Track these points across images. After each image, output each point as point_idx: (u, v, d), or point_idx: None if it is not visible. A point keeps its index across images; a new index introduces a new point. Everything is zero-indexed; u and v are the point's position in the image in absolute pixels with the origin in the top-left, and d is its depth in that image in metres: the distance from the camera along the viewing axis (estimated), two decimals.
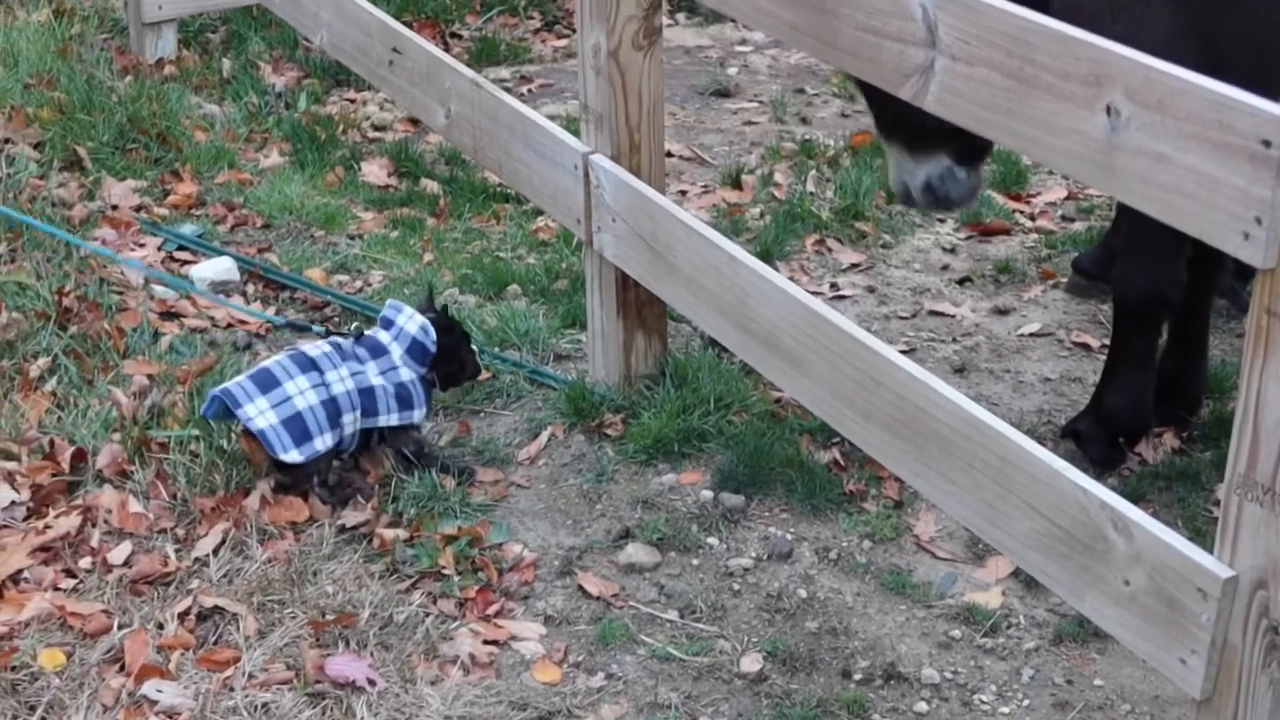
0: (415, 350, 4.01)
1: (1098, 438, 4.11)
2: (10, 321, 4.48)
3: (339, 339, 4.03)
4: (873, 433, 3.29)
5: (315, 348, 3.96)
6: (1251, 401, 2.39)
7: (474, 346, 4.25)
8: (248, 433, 3.83)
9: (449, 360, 4.12)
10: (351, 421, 3.90)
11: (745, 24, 4.49)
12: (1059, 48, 2.59)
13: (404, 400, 3.97)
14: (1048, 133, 2.66)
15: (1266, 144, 2.24)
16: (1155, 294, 3.93)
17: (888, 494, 4.00)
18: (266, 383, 3.83)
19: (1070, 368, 4.63)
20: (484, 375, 4.37)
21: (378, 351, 4.00)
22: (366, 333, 4.07)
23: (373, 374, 3.94)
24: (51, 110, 5.81)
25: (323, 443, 3.84)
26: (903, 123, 4.01)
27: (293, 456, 3.80)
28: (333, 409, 3.85)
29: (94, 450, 3.97)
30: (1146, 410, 4.12)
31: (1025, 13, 2.67)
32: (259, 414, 3.78)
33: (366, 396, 3.91)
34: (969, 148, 4.15)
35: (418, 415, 4.01)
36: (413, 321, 4.03)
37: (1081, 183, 4.83)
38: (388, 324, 4.06)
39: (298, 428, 3.80)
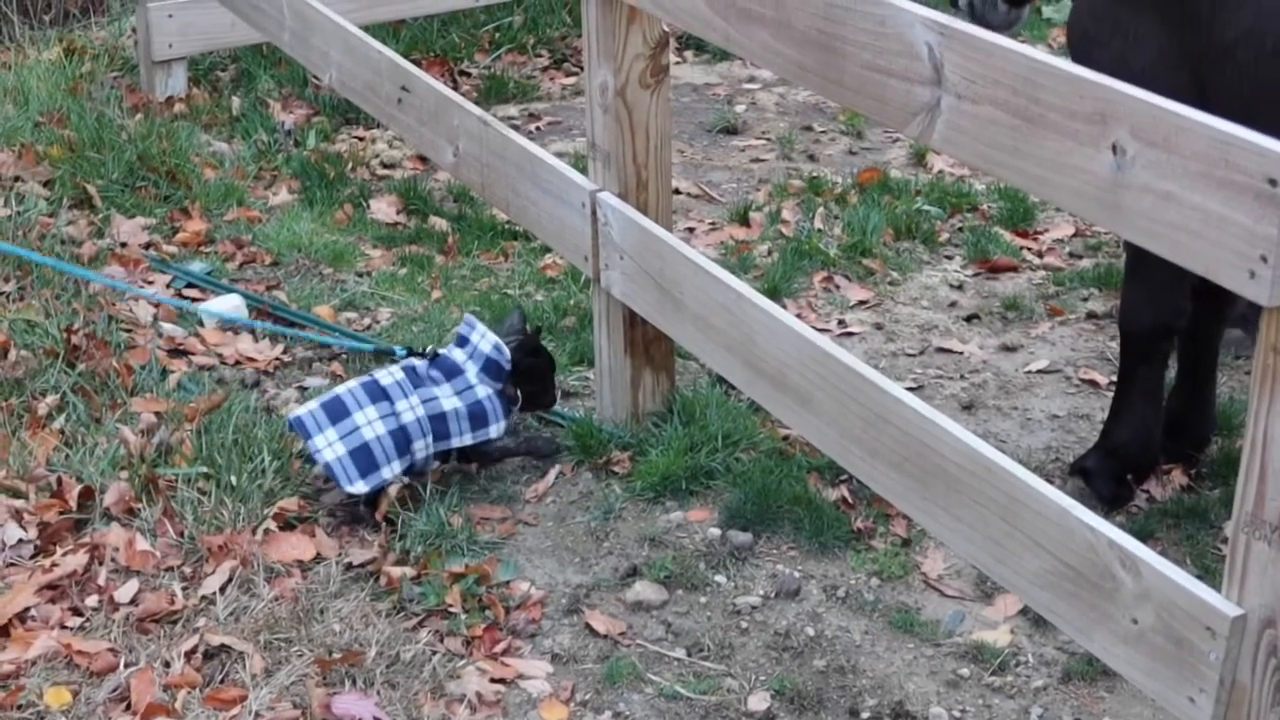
0: (490, 367, 4.08)
1: (1106, 474, 4.09)
2: (19, 359, 4.49)
3: (414, 362, 4.10)
4: (880, 470, 3.29)
5: (389, 374, 4.04)
6: (1259, 440, 2.38)
7: (555, 377, 4.32)
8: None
9: (533, 381, 4.21)
10: (424, 447, 4.00)
11: (753, 62, 4.50)
12: (1065, 86, 2.60)
13: (478, 418, 4.05)
14: (1054, 171, 2.66)
15: (1272, 183, 2.25)
16: (1160, 324, 3.92)
17: (896, 532, 3.99)
18: (337, 412, 3.93)
19: (1078, 405, 4.62)
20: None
21: (453, 372, 4.07)
22: (441, 352, 4.14)
23: (445, 398, 4.02)
24: (61, 148, 5.84)
25: (390, 471, 3.93)
26: None
27: (358, 488, 3.90)
28: (402, 437, 3.94)
29: (101, 488, 3.97)
30: (1154, 444, 4.11)
31: (1031, 51, 2.68)
32: (327, 446, 3.89)
33: (438, 422, 4.00)
34: None
35: (494, 430, 4.09)
36: (486, 339, 4.10)
37: (1088, 221, 4.82)
38: (463, 341, 4.13)
39: (364, 458, 3.89)
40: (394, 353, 4.18)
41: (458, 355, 4.12)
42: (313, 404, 4.00)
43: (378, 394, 3.98)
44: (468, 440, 4.07)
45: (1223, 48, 3.48)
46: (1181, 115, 2.39)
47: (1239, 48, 3.46)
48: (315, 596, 3.68)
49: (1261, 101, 3.43)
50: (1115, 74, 2.50)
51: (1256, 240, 2.30)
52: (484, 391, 4.07)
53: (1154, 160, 2.45)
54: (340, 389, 4.04)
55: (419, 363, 4.11)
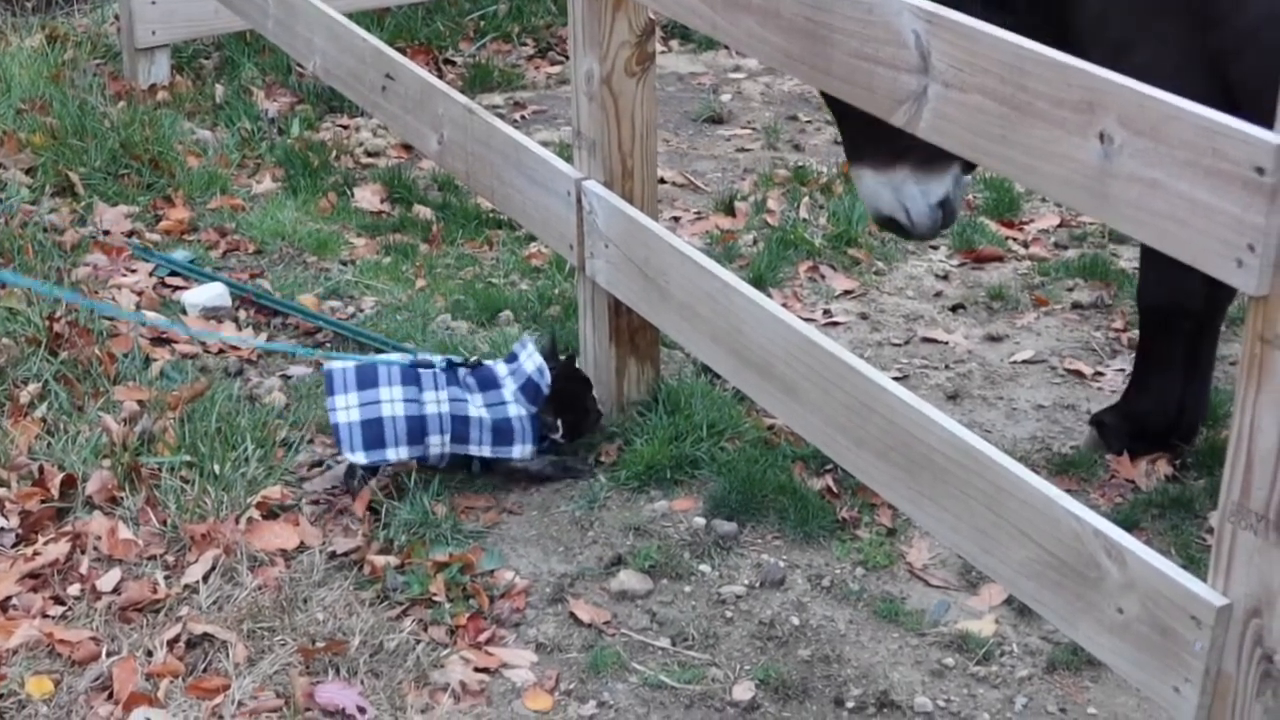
0: (529, 389, 4.04)
1: (1119, 432, 4.22)
2: (1, 347, 4.47)
3: (457, 363, 4.08)
4: (865, 460, 3.28)
5: (428, 365, 4.03)
6: (1245, 429, 2.38)
7: (595, 395, 4.23)
8: None
9: (572, 408, 4.14)
10: (439, 444, 3.97)
11: (739, 51, 4.49)
12: (1052, 74, 2.59)
13: (502, 434, 4.01)
14: (1041, 160, 2.65)
15: (1260, 171, 2.24)
16: (1175, 305, 4.02)
17: (880, 521, 3.99)
18: (367, 380, 3.94)
19: (1063, 394, 4.62)
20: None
21: (489, 384, 4.06)
22: (485, 363, 4.12)
23: (474, 405, 4.00)
24: (44, 135, 5.81)
25: (395, 453, 3.93)
26: (917, 141, 3.99)
27: (358, 457, 3.91)
28: (418, 426, 3.93)
29: (84, 476, 3.96)
30: (1171, 415, 4.20)
31: (1018, 40, 2.67)
32: (344, 408, 3.90)
33: (460, 424, 3.97)
34: None
35: (517, 452, 4.04)
36: (531, 360, 4.07)
37: (1074, 210, 4.83)
38: (511, 358, 4.11)
39: (373, 433, 3.89)
40: (431, 364, 4.13)
41: (500, 370, 4.10)
42: (350, 363, 4.01)
43: (410, 377, 3.98)
44: (486, 451, 4.03)
45: (1246, 34, 3.50)
46: (1169, 103, 2.38)
47: (1263, 31, 3.47)
48: (298, 585, 3.67)
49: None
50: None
51: (1244, 229, 2.29)
52: (516, 411, 4.03)
53: (1141, 149, 2.44)
54: (380, 359, 4.05)
55: (460, 370, 4.09)
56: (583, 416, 4.18)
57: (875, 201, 4.08)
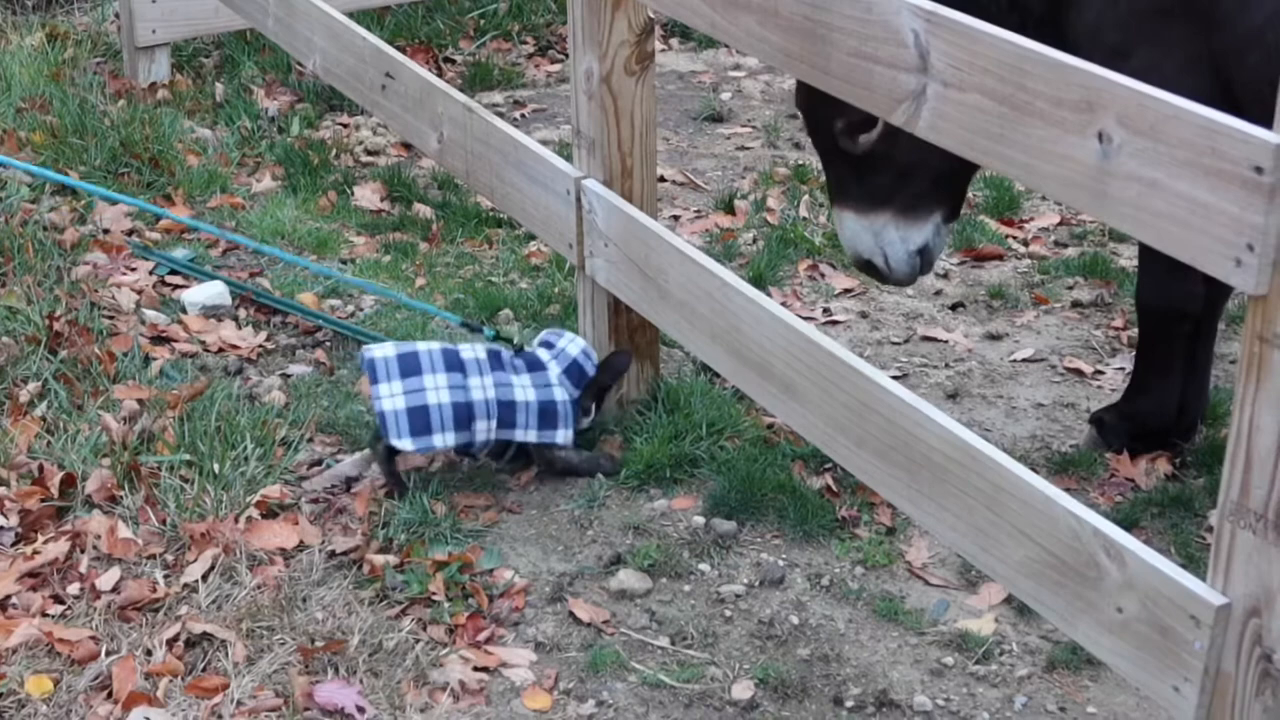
0: (573, 371, 4.07)
1: (1118, 431, 4.24)
2: (0, 346, 4.47)
3: (500, 348, 4.09)
4: (865, 459, 3.28)
5: (471, 349, 4.03)
6: (1244, 428, 2.38)
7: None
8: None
9: (599, 399, 4.18)
10: (485, 429, 3.96)
11: (738, 49, 4.48)
12: (1051, 74, 2.59)
13: (548, 417, 4.02)
14: (1040, 159, 2.65)
15: (1259, 170, 2.24)
16: (1174, 309, 4.04)
17: (880, 520, 3.99)
18: (409, 367, 3.91)
19: (1063, 393, 4.62)
20: None
21: (535, 366, 4.07)
22: (528, 348, 4.13)
23: (520, 387, 4.00)
24: (44, 134, 5.81)
25: (442, 440, 3.91)
26: (901, 188, 4.03)
27: (405, 444, 3.89)
28: (464, 412, 3.92)
29: (83, 475, 3.95)
30: (1170, 415, 4.22)
31: (1017, 39, 2.67)
32: (389, 396, 3.87)
33: (505, 409, 3.97)
34: (957, 199, 4.20)
35: (560, 436, 4.05)
36: (574, 344, 4.09)
37: (1074, 209, 4.84)
38: (548, 345, 4.12)
39: (420, 420, 3.87)
40: (480, 330, 4.11)
41: (542, 354, 4.10)
42: (390, 349, 3.97)
43: (455, 364, 3.96)
44: (532, 436, 4.03)
45: (1249, 34, 3.51)
46: (1168, 103, 2.38)
47: (1267, 30, 3.48)
48: (298, 584, 3.67)
49: None
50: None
51: (1243, 228, 2.29)
52: (561, 394, 4.04)
53: (1141, 148, 2.44)
54: (421, 345, 4.02)
55: (505, 350, 4.09)
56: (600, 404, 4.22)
57: (855, 244, 4.12)
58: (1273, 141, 2.21)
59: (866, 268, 4.23)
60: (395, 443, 3.89)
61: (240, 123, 6.36)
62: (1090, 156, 2.53)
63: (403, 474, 4.02)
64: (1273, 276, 2.27)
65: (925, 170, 4.05)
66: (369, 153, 6.34)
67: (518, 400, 3.99)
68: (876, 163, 4.03)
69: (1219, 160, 2.31)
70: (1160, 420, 4.22)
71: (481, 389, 3.95)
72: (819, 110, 4.04)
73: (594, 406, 4.15)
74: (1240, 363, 2.38)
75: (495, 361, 4.03)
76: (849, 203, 4.11)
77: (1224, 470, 2.44)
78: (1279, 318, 2.28)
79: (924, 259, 4.16)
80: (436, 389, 3.90)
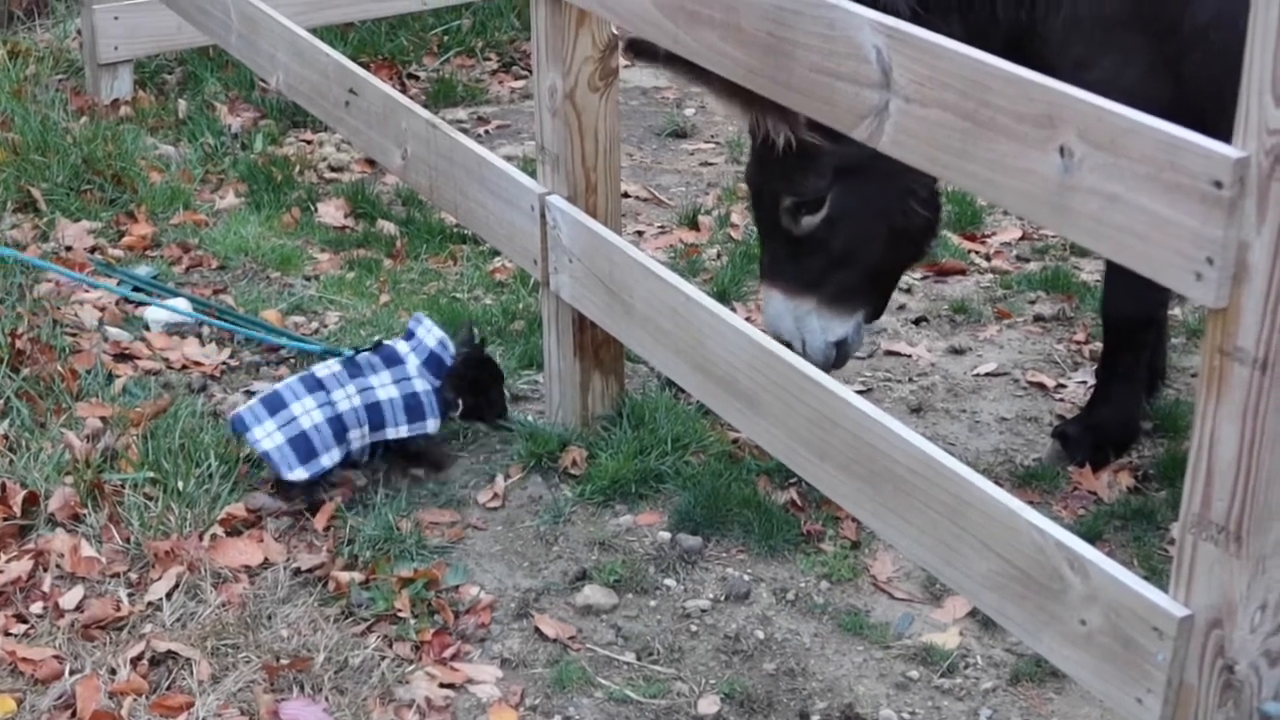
0: (432, 362, 4.14)
1: (1083, 444, 4.27)
2: None
3: (353, 354, 4.14)
4: (829, 473, 3.29)
5: (325, 368, 4.10)
6: (1205, 441, 2.39)
7: (505, 390, 4.35)
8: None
9: (479, 393, 4.24)
10: (360, 436, 4.04)
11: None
12: (1013, 89, 2.60)
13: (414, 410, 4.09)
14: (1001, 174, 2.67)
15: (1218, 185, 2.25)
16: (1144, 315, 4.14)
17: (845, 534, 3.99)
18: (275, 405, 3.98)
19: (1026, 407, 4.64)
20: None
21: (393, 361, 4.13)
22: (385, 342, 4.19)
23: (381, 387, 4.06)
24: (5, 151, 5.78)
25: (329, 459, 3.98)
26: (831, 277, 4.07)
27: (298, 474, 3.93)
28: (338, 426, 3.99)
29: (46, 493, 3.94)
30: (1134, 423, 4.30)
31: (979, 55, 2.68)
32: (266, 436, 3.93)
33: (373, 411, 4.04)
34: (882, 300, 4.31)
35: (431, 425, 4.13)
36: (431, 335, 4.17)
37: (1035, 223, 4.87)
38: (409, 335, 4.20)
39: (303, 446, 3.93)
40: (339, 354, 4.20)
41: (401, 347, 4.17)
42: (252, 401, 4.05)
43: (314, 385, 4.03)
44: (403, 432, 4.10)
45: (1195, 34, 3.60)
46: (1129, 118, 2.40)
47: (1212, 30, 3.56)
48: (263, 602, 3.66)
49: (1234, 77, 3.51)
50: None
51: (1203, 242, 2.31)
52: (422, 385, 4.11)
53: (1101, 163, 2.45)
54: (279, 385, 4.08)
55: (362, 355, 4.14)
56: (485, 405, 4.28)
57: (776, 324, 4.17)
58: (1232, 156, 2.23)
59: (784, 343, 4.28)
60: (289, 476, 3.93)
61: (203, 139, 6.35)
62: (1052, 171, 2.55)
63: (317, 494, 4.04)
64: (1232, 290, 2.29)
65: (859, 264, 4.13)
66: (333, 169, 6.33)
67: (381, 400, 4.06)
68: (814, 246, 4.11)
69: (1179, 175, 2.32)
70: (1124, 430, 4.28)
71: (347, 399, 4.02)
72: (769, 185, 4.11)
73: (459, 401, 4.20)
74: (1201, 376, 2.40)
75: (352, 369, 4.09)
76: (779, 282, 4.15)
77: (1185, 483, 2.45)
78: (1239, 331, 2.30)
79: (840, 352, 4.21)
80: (307, 413, 3.97)
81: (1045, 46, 3.73)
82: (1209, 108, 3.25)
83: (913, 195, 4.14)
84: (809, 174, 4.08)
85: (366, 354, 4.14)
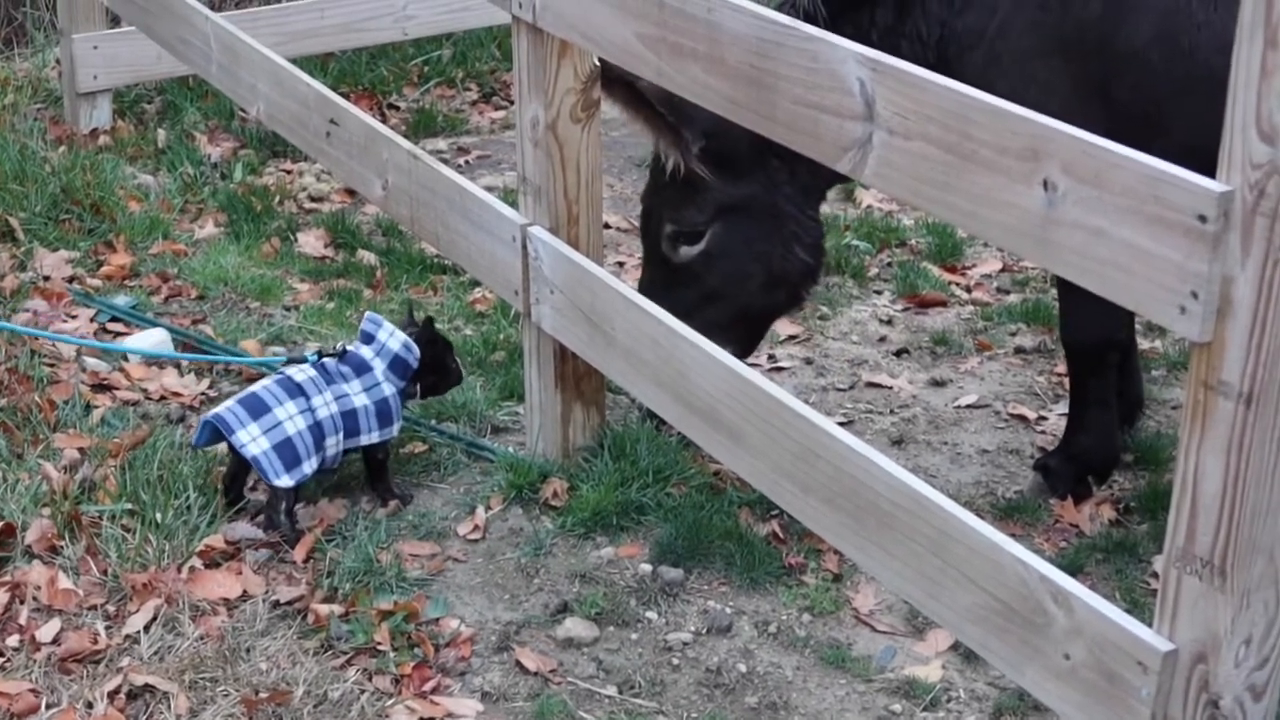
0: (397, 366, 4.16)
1: (1065, 475, 4.27)
2: None
3: (325, 361, 4.14)
4: (811, 505, 3.28)
5: (301, 372, 4.08)
6: (1190, 475, 2.39)
7: (457, 358, 4.41)
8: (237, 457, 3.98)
9: (434, 371, 4.28)
10: (335, 444, 4.05)
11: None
12: (996, 123, 2.61)
13: (384, 416, 4.12)
14: (985, 207, 2.67)
15: (1202, 219, 2.26)
16: (1104, 338, 4.14)
17: (827, 567, 3.98)
18: (257, 408, 3.96)
19: (1007, 439, 4.64)
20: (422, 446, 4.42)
21: (362, 369, 4.14)
22: (350, 349, 4.19)
23: (355, 394, 4.08)
24: None
25: (310, 466, 3.98)
26: (702, 311, 4.14)
27: (284, 481, 3.92)
28: (318, 433, 4.00)
29: (23, 525, 3.91)
30: (1114, 448, 4.31)
31: (963, 88, 2.69)
32: (251, 440, 3.91)
33: (349, 419, 4.06)
34: (750, 343, 4.39)
35: (396, 429, 4.17)
36: (395, 338, 4.17)
37: (1018, 256, 4.88)
38: (368, 338, 4.19)
39: (289, 453, 3.93)
40: (305, 359, 4.20)
41: (365, 352, 4.17)
42: (230, 402, 4.02)
43: (294, 390, 4.02)
44: (375, 438, 4.12)
45: (1129, 56, 3.65)
46: (1113, 152, 2.40)
47: (1150, 51, 3.62)
48: (241, 635, 3.64)
49: (1174, 97, 3.59)
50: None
51: (1187, 276, 2.31)
52: (390, 389, 4.14)
53: (1085, 196, 2.46)
54: (256, 386, 4.07)
55: (329, 361, 4.14)
56: (444, 377, 4.34)
57: None
58: (1216, 190, 2.23)
59: None
60: (275, 482, 3.93)
61: (183, 169, 6.33)
62: (1035, 204, 2.55)
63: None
64: (1217, 324, 2.29)
65: (731, 303, 4.20)
66: (313, 199, 6.31)
67: (357, 407, 4.08)
68: (689, 278, 4.16)
69: (1163, 208, 2.33)
70: (1104, 456, 4.29)
71: (325, 405, 4.03)
72: (657, 209, 4.12)
73: (419, 390, 4.28)
74: (1185, 410, 2.40)
75: (326, 376, 4.09)
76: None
77: (1170, 516, 2.45)
78: (1224, 365, 2.30)
79: None
80: (291, 418, 3.97)
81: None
82: (1142, 130, 3.28)
83: (797, 241, 4.17)
84: (692, 206, 4.12)
85: (334, 362, 4.13)
